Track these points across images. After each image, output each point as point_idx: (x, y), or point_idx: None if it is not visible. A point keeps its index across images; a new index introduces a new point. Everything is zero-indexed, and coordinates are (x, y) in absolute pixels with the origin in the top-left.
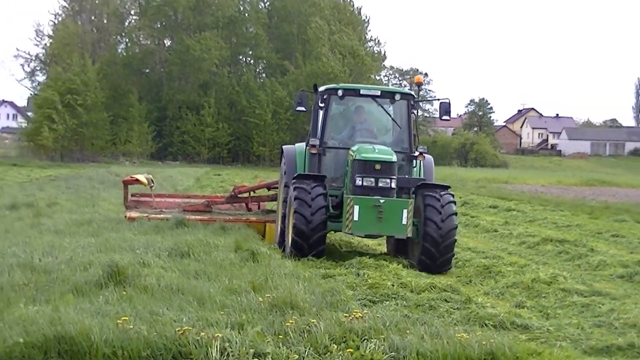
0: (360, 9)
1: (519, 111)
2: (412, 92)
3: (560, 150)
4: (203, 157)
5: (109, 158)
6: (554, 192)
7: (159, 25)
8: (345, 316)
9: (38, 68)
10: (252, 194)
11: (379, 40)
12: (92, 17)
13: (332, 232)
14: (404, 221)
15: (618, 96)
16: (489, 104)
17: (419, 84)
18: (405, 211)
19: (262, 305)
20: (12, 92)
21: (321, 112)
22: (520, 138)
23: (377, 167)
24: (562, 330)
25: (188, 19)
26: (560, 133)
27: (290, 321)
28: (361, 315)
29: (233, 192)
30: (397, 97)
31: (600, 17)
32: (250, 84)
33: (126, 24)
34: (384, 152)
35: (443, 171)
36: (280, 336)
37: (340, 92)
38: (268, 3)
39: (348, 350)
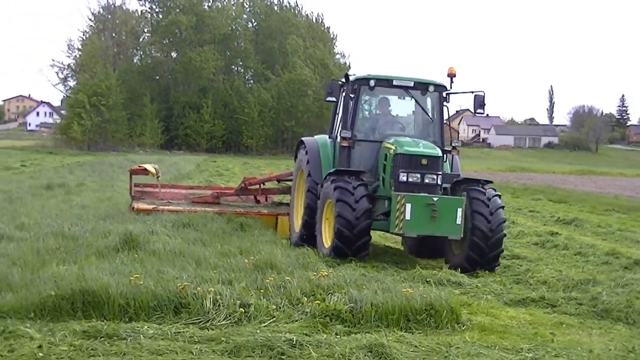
0: (329, 27)
1: (457, 111)
2: (446, 85)
3: (489, 143)
4: (202, 147)
5: (126, 148)
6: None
7: (167, 41)
8: (314, 275)
9: (69, 75)
10: (262, 186)
11: (344, 54)
12: (113, 34)
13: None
14: (459, 221)
15: (536, 99)
16: None
17: (452, 75)
18: (459, 210)
19: (247, 266)
20: (49, 94)
21: (351, 103)
22: (458, 133)
23: (424, 162)
24: (487, 286)
25: (190, 36)
26: (489, 129)
27: (270, 278)
28: (327, 274)
29: (243, 184)
30: (431, 88)
31: (521, 34)
32: (241, 89)
33: (140, 40)
34: (428, 147)
35: None
36: (261, 290)
37: (372, 83)
38: (255, 23)
39: (316, 302)
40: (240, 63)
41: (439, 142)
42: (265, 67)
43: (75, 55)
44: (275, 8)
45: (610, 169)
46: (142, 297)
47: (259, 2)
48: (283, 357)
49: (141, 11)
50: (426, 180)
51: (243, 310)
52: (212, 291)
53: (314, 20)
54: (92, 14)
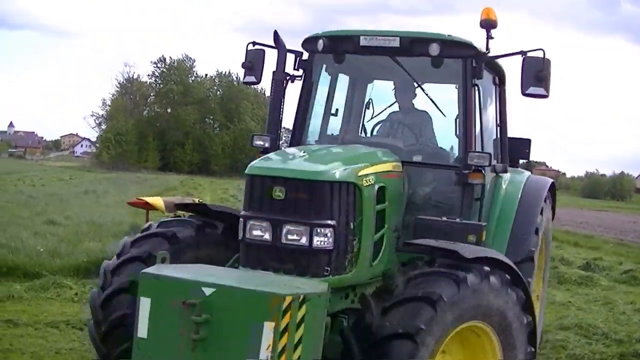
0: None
1: None
2: (474, 44)
3: None
4: (185, 170)
5: (136, 169)
6: None
7: (164, 101)
8: None
9: (102, 121)
10: None
11: None
12: (131, 97)
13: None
14: (263, 355)
15: None
16: None
17: (490, 26)
18: (267, 326)
19: None
20: (89, 133)
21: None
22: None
23: (278, 193)
24: None
25: (179, 98)
26: None
27: None
28: None
29: None
30: (434, 49)
31: None
32: (210, 134)
33: (148, 100)
34: (313, 157)
35: None
36: None
37: (320, 44)
38: (221, 91)
39: None
40: (211, 117)
41: (462, 157)
42: (227, 120)
43: (106, 109)
44: (234, 82)
45: None
46: None
47: (223, 78)
48: None
49: (149, 82)
50: (284, 240)
51: None
52: None
53: (258, 91)
54: (119, 83)
